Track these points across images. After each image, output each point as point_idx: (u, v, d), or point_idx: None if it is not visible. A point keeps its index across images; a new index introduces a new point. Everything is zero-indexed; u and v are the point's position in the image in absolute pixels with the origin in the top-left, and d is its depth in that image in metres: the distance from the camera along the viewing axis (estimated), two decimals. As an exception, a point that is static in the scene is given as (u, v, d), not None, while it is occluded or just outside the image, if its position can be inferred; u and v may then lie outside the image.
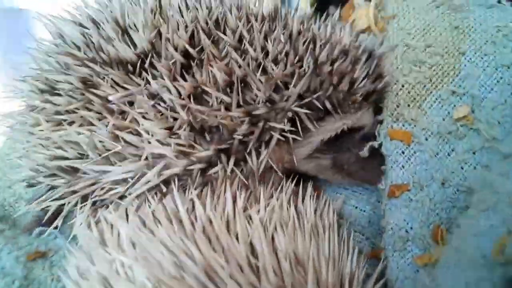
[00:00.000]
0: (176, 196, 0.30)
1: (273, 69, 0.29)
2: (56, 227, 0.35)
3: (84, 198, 0.31)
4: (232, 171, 0.29)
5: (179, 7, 0.32)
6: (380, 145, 0.34)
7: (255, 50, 0.29)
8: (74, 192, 0.31)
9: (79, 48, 0.30)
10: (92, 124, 0.29)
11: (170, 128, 0.29)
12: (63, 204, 0.32)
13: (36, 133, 0.32)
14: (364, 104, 0.34)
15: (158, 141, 0.28)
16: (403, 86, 0.35)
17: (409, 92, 0.35)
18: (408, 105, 0.34)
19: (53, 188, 0.32)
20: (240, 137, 0.28)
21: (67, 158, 0.30)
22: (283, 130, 0.29)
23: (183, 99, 0.28)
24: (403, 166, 0.33)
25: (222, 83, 0.28)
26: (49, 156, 0.31)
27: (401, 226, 0.33)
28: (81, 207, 0.31)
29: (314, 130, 0.32)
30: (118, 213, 0.30)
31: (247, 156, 0.29)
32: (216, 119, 0.28)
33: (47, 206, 0.33)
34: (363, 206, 0.39)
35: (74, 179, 0.30)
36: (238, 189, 0.30)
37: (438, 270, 0.31)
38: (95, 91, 0.29)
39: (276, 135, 0.30)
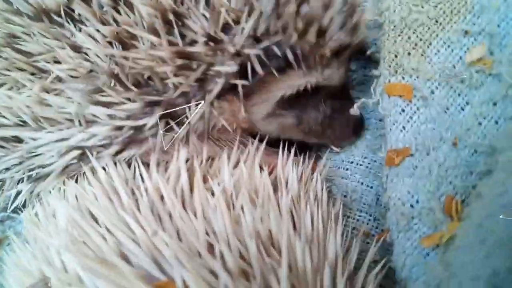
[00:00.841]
0: (110, 164, 0.26)
1: (222, 3, 0.24)
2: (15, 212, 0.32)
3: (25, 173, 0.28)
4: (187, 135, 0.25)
5: None
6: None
7: None
8: (14, 165, 0.28)
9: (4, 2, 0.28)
10: (24, 86, 0.26)
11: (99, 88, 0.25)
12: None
13: None
14: (335, 61, 0.27)
15: (88, 101, 0.25)
16: (401, 31, 0.28)
17: (409, 38, 0.28)
18: (409, 53, 0.28)
19: None
20: (174, 82, 0.24)
21: (8, 126, 0.27)
22: (231, 78, 0.24)
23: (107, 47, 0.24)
24: (403, 127, 0.27)
25: (149, 21, 0.24)
26: None
27: (405, 201, 0.26)
28: (18, 182, 0.29)
29: (273, 84, 0.26)
30: (56, 192, 0.28)
31: (187, 111, 0.25)
32: (143, 65, 0.23)
33: None
34: (370, 182, 0.32)
35: (17, 149, 0.28)
36: (195, 156, 0.25)
37: (453, 253, 0.25)
38: (20, 47, 0.26)
39: (221, 82, 0.24)
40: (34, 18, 0.26)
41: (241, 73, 0.24)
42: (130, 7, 0.24)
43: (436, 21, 0.28)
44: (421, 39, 0.28)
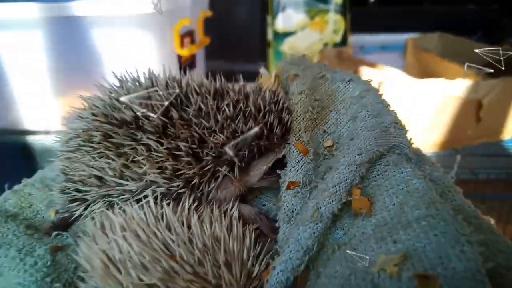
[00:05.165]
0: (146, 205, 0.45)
1: (221, 135, 0.46)
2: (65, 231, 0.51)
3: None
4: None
5: (167, 83, 0.49)
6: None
7: (208, 120, 0.46)
8: (101, 196, 0.46)
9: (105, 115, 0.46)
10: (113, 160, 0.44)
11: (160, 168, 0.44)
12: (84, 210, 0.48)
13: (79, 156, 0.48)
14: (283, 140, 0.51)
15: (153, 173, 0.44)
16: (302, 119, 0.53)
17: (305, 124, 0.52)
18: (305, 131, 0.51)
19: (81, 198, 0.47)
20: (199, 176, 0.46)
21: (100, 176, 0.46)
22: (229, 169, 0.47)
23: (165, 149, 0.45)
24: (297, 170, 0.49)
25: (187, 141, 0.45)
26: (88, 174, 0.46)
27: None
28: (93, 210, 0.46)
29: (257, 163, 0.49)
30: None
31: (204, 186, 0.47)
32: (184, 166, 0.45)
33: (69, 211, 0.48)
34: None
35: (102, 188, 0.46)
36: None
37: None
38: (112, 140, 0.45)
39: (223, 172, 0.47)
40: (119, 126, 0.44)
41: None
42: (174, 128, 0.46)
43: (315, 120, 0.54)
44: (309, 126, 0.52)
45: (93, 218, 0.46)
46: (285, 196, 0.46)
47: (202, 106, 0.46)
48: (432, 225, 0.32)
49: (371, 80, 0.57)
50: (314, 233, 0.38)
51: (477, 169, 1.14)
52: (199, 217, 0.43)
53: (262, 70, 0.64)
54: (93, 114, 0.48)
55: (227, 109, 0.46)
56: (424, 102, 1.20)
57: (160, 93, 0.45)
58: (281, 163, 0.49)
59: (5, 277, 0.41)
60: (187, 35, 1.31)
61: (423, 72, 1.50)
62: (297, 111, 0.52)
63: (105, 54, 1.12)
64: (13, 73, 1.16)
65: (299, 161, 0.49)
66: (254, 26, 1.85)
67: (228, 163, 0.46)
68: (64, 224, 0.51)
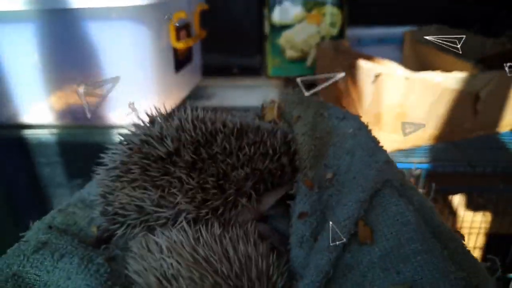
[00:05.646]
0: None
1: (242, 171, 0.55)
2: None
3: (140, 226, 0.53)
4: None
5: (193, 124, 0.56)
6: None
7: (231, 158, 0.55)
8: (140, 222, 0.53)
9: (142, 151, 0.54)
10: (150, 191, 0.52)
11: (190, 198, 0.52)
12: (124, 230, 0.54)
13: (119, 186, 0.55)
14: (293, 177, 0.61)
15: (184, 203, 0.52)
16: (307, 157, 0.59)
17: (310, 162, 0.59)
18: (310, 169, 0.58)
19: (121, 221, 0.54)
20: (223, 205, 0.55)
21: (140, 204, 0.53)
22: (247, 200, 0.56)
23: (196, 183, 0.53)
24: (305, 202, 0.56)
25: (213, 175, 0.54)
26: (128, 202, 0.53)
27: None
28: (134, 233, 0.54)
29: (268, 197, 0.58)
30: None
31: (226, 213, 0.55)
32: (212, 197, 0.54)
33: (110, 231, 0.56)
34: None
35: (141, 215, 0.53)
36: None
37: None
38: (149, 173, 0.52)
39: (243, 203, 0.55)
40: (154, 161, 0.52)
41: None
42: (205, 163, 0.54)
43: (317, 156, 0.59)
44: (313, 164, 0.58)
45: (135, 240, 0.53)
46: (296, 224, 0.55)
47: (226, 145, 0.55)
48: (426, 261, 0.40)
49: (361, 116, 0.66)
50: (330, 259, 0.47)
51: (474, 162, 1.17)
52: (230, 238, 0.50)
53: (265, 101, 0.69)
54: (130, 149, 0.55)
55: (247, 149, 0.55)
56: (421, 94, 1.22)
57: (190, 133, 0.55)
58: (286, 195, 0.60)
59: (73, 280, 0.47)
60: (183, 28, 1.32)
61: (421, 64, 1.52)
62: (303, 150, 0.62)
63: (100, 47, 1.12)
64: (6, 67, 1.17)
65: (306, 195, 0.58)
66: (250, 19, 1.85)
67: (247, 195, 0.55)
68: (107, 239, 0.59)
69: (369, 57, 1.43)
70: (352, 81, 1.36)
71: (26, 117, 1.20)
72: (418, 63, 1.56)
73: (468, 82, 1.25)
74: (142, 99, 1.08)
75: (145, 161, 0.52)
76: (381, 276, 0.41)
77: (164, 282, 0.45)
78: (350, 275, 0.44)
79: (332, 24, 1.70)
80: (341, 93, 1.39)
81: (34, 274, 0.47)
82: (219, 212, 0.53)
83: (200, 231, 0.50)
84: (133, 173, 0.53)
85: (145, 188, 0.52)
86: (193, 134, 0.54)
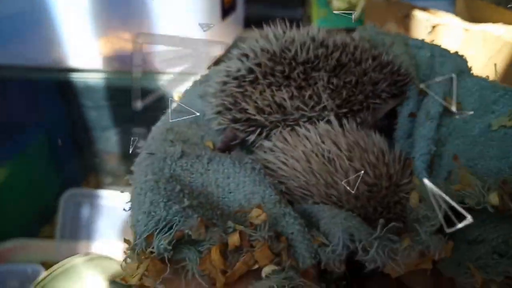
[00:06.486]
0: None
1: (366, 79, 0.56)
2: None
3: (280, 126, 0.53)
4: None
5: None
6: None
7: (362, 65, 0.57)
8: (282, 120, 0.53)
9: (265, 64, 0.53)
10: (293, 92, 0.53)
11: (333, 98, 0.54)
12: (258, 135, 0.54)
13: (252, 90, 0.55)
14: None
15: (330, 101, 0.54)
16: (412, 71, 0.62)
17: (414, 73, 0.61)
18: (416, 79, 0.61)
19: (256, 125, 0.54)
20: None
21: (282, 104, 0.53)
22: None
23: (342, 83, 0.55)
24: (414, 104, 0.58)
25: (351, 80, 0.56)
26: (271, 102, 0.53)
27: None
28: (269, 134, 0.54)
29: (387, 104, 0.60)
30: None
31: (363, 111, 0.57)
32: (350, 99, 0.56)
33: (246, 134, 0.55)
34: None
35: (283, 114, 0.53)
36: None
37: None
38: (292, 75, 0.54)
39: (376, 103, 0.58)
40: (299, 64, 0.54)
41: None
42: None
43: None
44: None
45: (275, 136, 0.53)
46: (404, 121, 0.58)
47: (357, 55, 0.59)
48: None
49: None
50: (431, 127, 0.52)
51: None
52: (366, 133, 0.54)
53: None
54: (269, 53, 0.56)
55: (370, 60, 0.59)
56: (480, 47, 1.18)
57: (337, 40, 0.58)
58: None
59: (234, 178, 0.46)
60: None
61: (475, 21, 1.46)
62: (406, 65, 0.65)
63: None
64: (57, 10, 1.15)
65: (416, 100, 0.60)
66: (295, -31, 1.80)
67: (379, 97, 0.59)
68: (228, 149, 0.58)
69: (424, 9, 1.38)
70: (406, 33, 1.33)
71: (74, 61, 1.20)
72: (472, 20, 1.51)
73: (530, 36, 1.21)
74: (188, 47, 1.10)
75: (291, 64, 0.55)
76: (481, 115, 0.48)
77: (327, 163, 0.47)
78: (454, 133, 0.51)
79: (383, -26, 1.64)
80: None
81: (188, 176, 0.47)
82: (356, 110, 0.58)
83: (343, 125, 0.54)
84: (273, 76, 0.55)
85: (287, 90, 0.54)
86: (329, 43, 0.58)
